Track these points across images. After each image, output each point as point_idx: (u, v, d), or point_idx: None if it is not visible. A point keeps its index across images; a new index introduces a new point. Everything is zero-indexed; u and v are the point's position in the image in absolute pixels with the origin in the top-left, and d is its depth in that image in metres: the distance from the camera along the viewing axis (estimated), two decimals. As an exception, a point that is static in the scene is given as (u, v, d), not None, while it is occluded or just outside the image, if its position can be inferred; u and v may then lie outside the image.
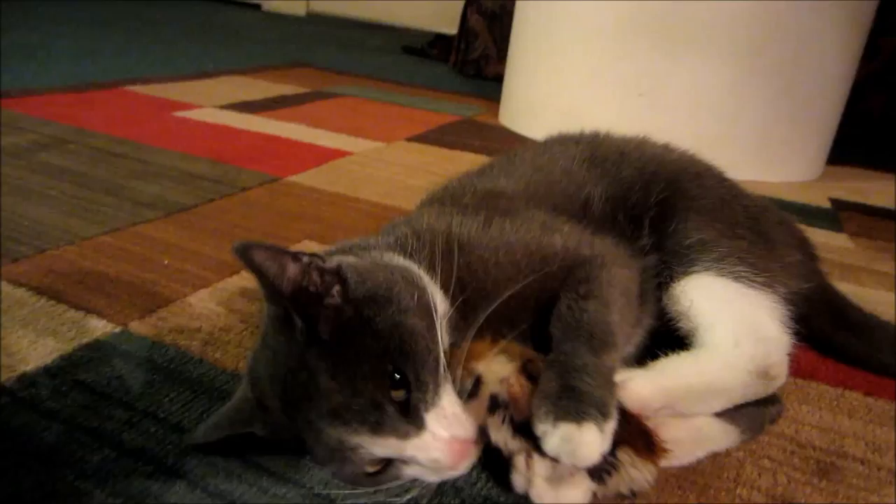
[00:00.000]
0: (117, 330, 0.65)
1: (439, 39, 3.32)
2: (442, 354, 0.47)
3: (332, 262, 0.48)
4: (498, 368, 0.48)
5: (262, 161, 1.25)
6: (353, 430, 0.44)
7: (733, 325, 0.58)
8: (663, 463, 0.50)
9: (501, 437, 0.47)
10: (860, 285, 0.96)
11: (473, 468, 0.50)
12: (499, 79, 2.08)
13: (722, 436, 0.56)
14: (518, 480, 0.47)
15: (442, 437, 0.45)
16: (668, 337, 0.62)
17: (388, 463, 0.46)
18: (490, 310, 0.51)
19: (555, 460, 0.45)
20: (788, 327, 0.61)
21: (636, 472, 0.47)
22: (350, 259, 0.51)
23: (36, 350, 0.60)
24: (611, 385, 0.48)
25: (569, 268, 0.56)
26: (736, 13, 1.39)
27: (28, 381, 0.56)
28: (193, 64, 2.24)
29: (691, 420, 0.55)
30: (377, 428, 0.44)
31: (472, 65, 2.74)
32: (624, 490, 0.47)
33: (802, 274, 0.68)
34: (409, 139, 1.57)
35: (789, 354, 0.60)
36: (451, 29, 3.25)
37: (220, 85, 1.95)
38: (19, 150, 1.16)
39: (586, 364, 0.48)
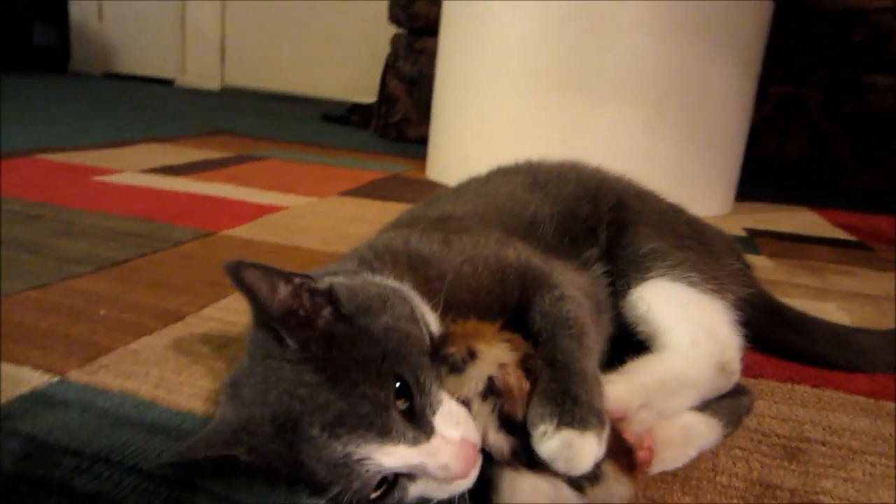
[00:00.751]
0: (55, 380, 0.61)
1: (358, 107, 3.38)
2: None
3: (324, 283, 0.47)
4: (499, 353, 0.48)
5: (193, 218, 1.22)
6: (359, 437, 0.42)
7: (690, 327, 0.62)
8: (658, 468, 0.53)
9: (486, 426, 0.46)
10: (786, 296, 1.01)
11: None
12: (421, 140, 2.14)
13: (708, 430, 0.58)
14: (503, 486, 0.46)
15: (453, 440, 0.44)
16: (627, 344, 0.64)
17: (391, 485, 0.44)
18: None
19: (535, 464, 0.45)
20: (738, 329, 0.65)
21: (617, 486, 0.47)
22: (340, 278, 0.50)
23: (-34, 405, 0.55)
24: (603, 393, 0.49)
25: (524, 279, 0.58)
26: (645, 64, 1.50)
27: (-41, 436, 0.51)
28: (108, 135, 2.18)
29: (678, 420, 0.56)
30: (385, 434, 0.42)
31: (394, 128, 2.80)
32: (601, 502, 0.46)
33: (743, 281, 0.73)
34: (342, 194, 1.57)
35: (741, 353, 0.64)
36: (369, 98, 3.33)
37: (140, 152, 1.91)
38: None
39: (584, 370, 0.49)
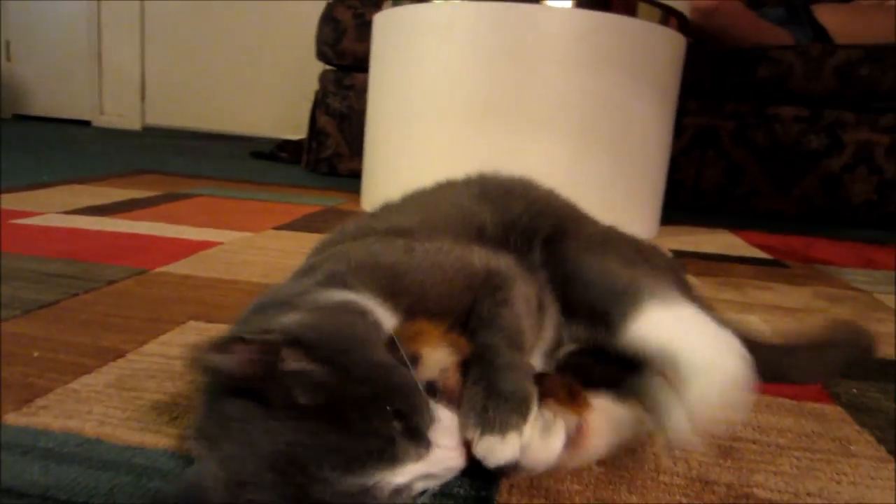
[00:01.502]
0: (-9, 424, 0.58)
1: (287, 144, 3.38)
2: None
3: (284, 332, 0.46)
4: (441, 357, 0.50)
5: (124, 257, 1.19)
6: (373, 470, 0.44)
7: (706, 340, 0.61)
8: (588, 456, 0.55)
9: None
10: (713, 310, 1.08)
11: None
12: (354, 175, 2.16)
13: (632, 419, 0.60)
14: None
15: (451, 446, 0.47)
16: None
17: (399, 490, 0.46)
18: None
19: None
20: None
21: (565, 423, 0.52)
22: (296, 317, 0.50)
23: None
24: (529, 378, 0.53)
25: (483, 279, 0.60)
26: (571, 97, 1.58)
27: None
28: (23, 179, 2.09)
29: (612, 409, 0.58)
30: (395, 460, 0.44)
31: (326, 163, 2.81)
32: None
33: (688, 296, 0.76)
34: (277, 228, 1.56)
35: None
36: (297, 134, 3.33)
37: (61, 193, 1.84)
38: None
39: (509, 363, 0.52)
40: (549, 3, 1.55)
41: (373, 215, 0.80)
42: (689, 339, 0.61)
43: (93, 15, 4.67)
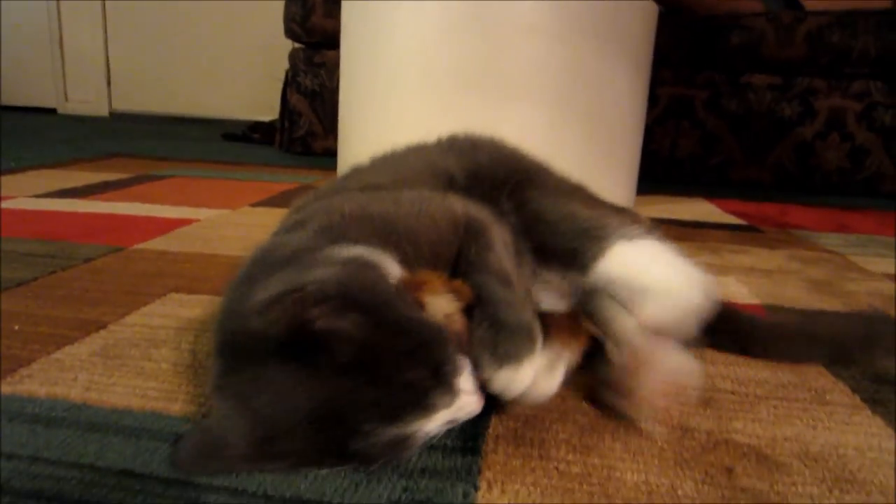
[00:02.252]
0: (-25, 393, 0.57)
1: (259, 125, 3.34)
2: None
3: (315, 289, 0.45)
4: (444, 304, 0.51)
5: (100, 235, 1.17)
6: (409, 421, 0.45)
7: (664, 269, 0.66)
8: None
9: None
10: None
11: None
12: (328, 153, 2.14)
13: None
14: None
15: (472, 391, 0.49)
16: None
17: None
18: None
19: None
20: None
21: (567, 355, 0.55)
22: (319, 273, 0.49)
23: None
24: (529, 310, 0.55)
25: (465, 226, 0.61)
26: (545, 66, 1.57)
27: None
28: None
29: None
30: (429, 410, 0.46)
31: (299, 142, 2.78)
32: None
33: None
34: (254, 205, 1.55)
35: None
36: (268, 116, 3.29)
37: (31, 179, 1.80)
38: None
39: (507, 298, 0.54)
40: (520, -28, 1.54)
41: (345, 177, 0.80)
42: (651, 269, 0.65)
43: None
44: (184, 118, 4.41)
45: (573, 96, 1.63)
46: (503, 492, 0.48)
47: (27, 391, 0.58)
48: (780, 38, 2.30)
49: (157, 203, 1.51)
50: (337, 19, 1.88)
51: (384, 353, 0.45)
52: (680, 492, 0.49)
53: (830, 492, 0.50)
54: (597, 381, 0.61)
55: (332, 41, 2.13)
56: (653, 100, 2.01)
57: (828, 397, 0.66)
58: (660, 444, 0.56)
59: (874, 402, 0.65)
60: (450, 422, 0.49)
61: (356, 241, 0.54)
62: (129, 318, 0.77)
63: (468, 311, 0.53)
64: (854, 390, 0.68)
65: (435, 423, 0.47)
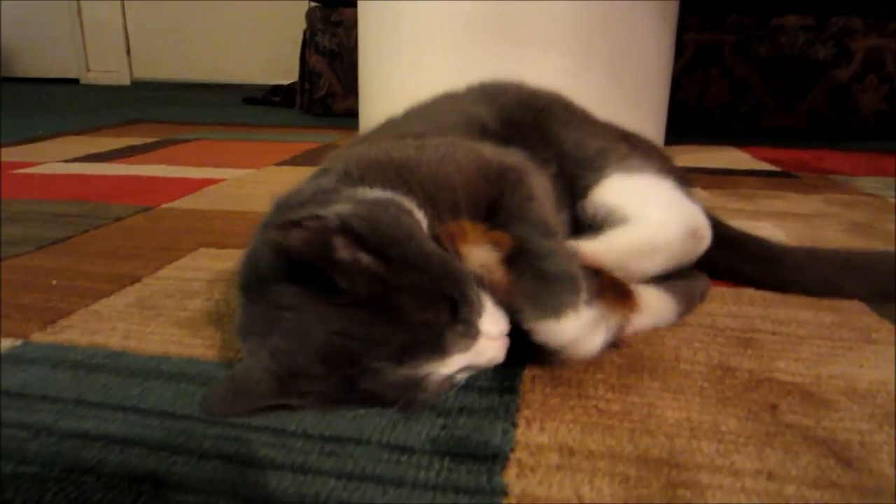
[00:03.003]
0: (18, 343, 0.59)
1: (279, 88, 3.32)
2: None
3: (337, 219, 0.45)
4: (482, 255, 0.50)
5: (129, 196, 1.18)
6: (423, 361, 0.44)
7: (658, 202, 0.65)
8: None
9: None
10: (725, 219, 1.08)
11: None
12: (349, 113, 2.12)
13: (663, 305, 0.61)
14: None
15: (494, 336, 0.48)
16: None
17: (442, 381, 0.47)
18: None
19: None
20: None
21: (614, 317, 0.50)
22: (343, 208, 0.48)
23: (-76, 373, 0.53)
24: (573, 257, 0.53)
25: (501, 176, 0.59)
26: (569, 12, 1.53)
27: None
28: (19, 136, 2.06)
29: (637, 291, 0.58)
30: (445, 351, 0.45)
31: (320, 104, 2.76)
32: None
33: (686, 187, 0.76)
34: (278, 164, 1.55)
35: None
36: (287, 79, 3.26)
37: (58, 145, 1.82)
38: None
39: (550, 248, 0.52)
40: (544, -86, 1.49)
41: (378, 128, 0.79)
42: (644, 202, 0.64)
43: (69, -31, 4.54)
44: (204, 84, 4.41)
45: (597, 44, 1.58)
46: (542, 429, 0.47)
47: (68, 340, 0.59)
48: (814, -26, 2.20)
49: (183, 165, 1.51)
50: (355, -27, 1.84)
51: (400, 291, 0.44)
52: (724, 428, 0.48)
53: (881, 427, 0.48)
54: None
55: (349, -2, 2.09)
56: (679, 48, 1.95)
57: (873, 336, 0.64)
58: (700, 383, 0.55)
59: (922, 340, 0.63)
60: (469, 367, 0.48)
61: (378, 186, 0.54)
62: (162, 272, 0.77)
63: (509, 262, 0.52)
64: (901, 330, 0.66)
65: (450, 367, 0.46)
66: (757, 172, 1.57)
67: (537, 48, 1.55)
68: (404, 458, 0.43)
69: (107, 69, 4.76)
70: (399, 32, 1.69)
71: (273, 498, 0.39)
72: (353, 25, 2.47)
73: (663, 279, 0.64)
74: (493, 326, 0.49)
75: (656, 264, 0.61)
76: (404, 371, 0.44)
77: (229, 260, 0.82)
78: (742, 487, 0.41)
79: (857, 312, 0.69)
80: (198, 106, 3.20)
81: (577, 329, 0.49)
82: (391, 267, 0.45)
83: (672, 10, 1.73)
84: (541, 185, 0.61)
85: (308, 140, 1.96)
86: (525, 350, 0.52)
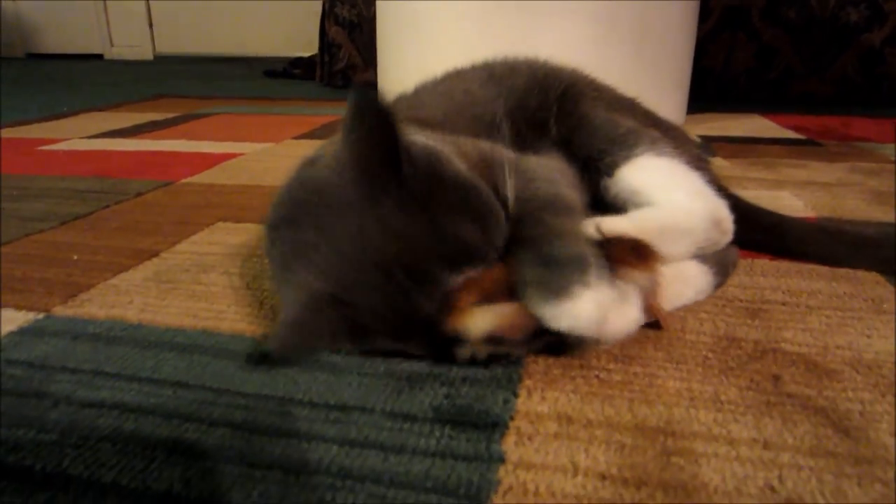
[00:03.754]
0: (41, 316, 0.61)
1: (300, 60, 3.32)
2: None
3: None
4: (480, 324, 0.47)
5: (150, 171, 1.20)
6: (472, 270, 0.46)
7: (685, 190, 0.64)
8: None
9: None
10: (744, 189, 1.06)
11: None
12: (370, 86, 2.11)
13: (701, 276, 0.61)
14: None
15: None
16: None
17: None
18: None
19: None
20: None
21: (639, 282, 0.51)
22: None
23: (-47, 345, 0.55)
24: (578, 238, 0.51)
25: (499, 170, 0.58)
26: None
27: (-47, 370, 0.51)
28: (43, 112, 2.09)
29: (674, 264, 0.59)
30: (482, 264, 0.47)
31: (340, 76, 2.76)
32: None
33: (706, 169, 0.75)
34: (297, 138, 1.56)
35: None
36: (308, 51, 3.26)
37: (82, 121, 1.85)
38: None
39: (552, 227, 0.50)
40: None
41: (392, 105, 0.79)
42: (672, 186, 0.63)
43: (91, -56, 4.56)
44: (226, 58, 4.42)
45: (621, 9, 1.55)
46: (543, 398, 0.48)
47: (87, 313, 0.61)
48: (846, -68, 2.12)
49: (203, 140, 1.53)
50: (372, -58, 1.82)
51: (451, 197, 0.45)
52: (723, 398, 0.48)
53: (884, 397, 0.48)
54: None
55: (368, -33, 2.07)
56: (705, 11, 1.90)
57: (885, 306, 0.63)
58: (704, 353, 0.55)
59: (935, 310, 0.63)
60: None
61: None
62: (180, 247, 0.79)
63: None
64: (915, 299, 0.65)
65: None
66: (780, 140, 1.54)
67: (555, 15, 1.52)
68: (406, 425, 0.44)
69: (130, 44, 4.80)
70: (416, 2, 1.67)
71: (277, 464, 0.40)
72: (371, -5, 2.46)
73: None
74: None
75: (678, 249, 0.60)
76: (451, 278, 0.44)
77: (244, 234, 0.83)
78: (736, 456, 0.42)
79: (871, 283, 0.69)
80: (219, 80, 3.22)
81: (593, 308, 0.45)
82: (444, 173, 0.46)
83: (697, -27, 1.68)
84: (554, 166, 0.61)
85: (326, 113, 1.97)
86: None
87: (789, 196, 1.03)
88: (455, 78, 0.82)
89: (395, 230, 0.44)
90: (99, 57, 4.74)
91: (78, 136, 1.59)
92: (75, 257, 0.76)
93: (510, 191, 0.53)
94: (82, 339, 0.56)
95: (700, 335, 0.58)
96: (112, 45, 4.80)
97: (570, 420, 0.45)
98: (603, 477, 0.40)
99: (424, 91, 0.81)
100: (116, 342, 0.56)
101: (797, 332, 0.58)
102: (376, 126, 0.43)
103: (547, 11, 1.52)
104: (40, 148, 1.45)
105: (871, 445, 0.43)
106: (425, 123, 0.67)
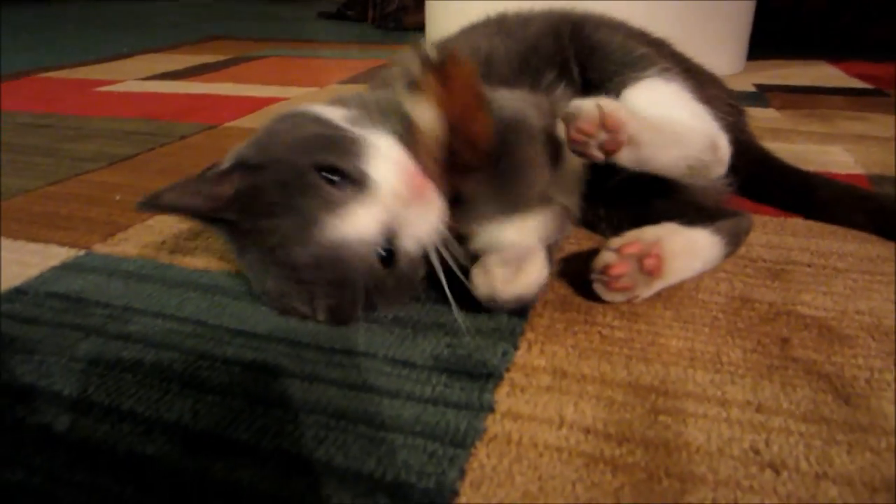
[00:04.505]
0: (81, 253, 0.65)
1: (353, 2, 3.28)
2: None
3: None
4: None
5: (195, 115, 1.24)
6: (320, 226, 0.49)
7: (688, 113, 0.61)
8: (669, 279, 0.56)
9: None
10: (790, 143, 1.03)
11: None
12: (420, 28, 2.08)
13: (711, 245, 0.59)
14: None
15: (389, 176, 0.49)
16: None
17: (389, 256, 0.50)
18: None
19: None
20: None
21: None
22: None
23: (3, 277, 0.60)
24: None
25: None
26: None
27: (1, 299, 0.56)
28: (104, 52, 2.16)
29: (683, 233, 0.57)
30: (335, 208, 0.49)
31: (391, 18, 2.73)
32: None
33: (733, 119, 0.72)
34: (342, 82, 1.56)
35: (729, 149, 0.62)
36: (364, -9, 3.21)
37: (138, 63, 1.90)
38: (-61, 132, 1.12)
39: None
40: None
41: None
42: (674, 108, 0.60)
43: None
44: (282, -2, 4.41)
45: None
46: (542, 352, 0.49)
47: (123, 252, 0.65)
48: None
49: (250, 83, 1.55)
50: None
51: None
52: (725, 359, 0.48)
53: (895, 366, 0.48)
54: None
55: None
56: (774, -51, 1.78)
57: (916, 272, 0.61)
58: (714, 313, 0.55)
59: (968, 278, 0.60)
60: (404, 224, 0.48)
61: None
62: (215, 190, 0.82)
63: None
64: (952, 265, 0.62)
65: (359, 226, 0.47)
66: (843, 90, 1.46)
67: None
68: (405, 371, 0.46)
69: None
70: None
71: (279, 402, 0.43)
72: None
73: (710, 220, 0.60)
74: (385, 168, 0.48)
75: (668, 158, 0.56)
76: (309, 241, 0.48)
77: (277, 179, 0.86)
78: (726, 417, 0.42)
79: (908, 246, 0.66)
80: (274, 21, 3.23)
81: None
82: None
83: None
84: (514, 96, 0.60)
85: (373, 57, 1.96)
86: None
87: (840, 151, 0.98)
88: (465, 32, 0.80)
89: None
90: (160, -4, 4.80)
91: (133, 77, 1.64)
92: (118, 197, 0.80)
93: None
94: (116, 276, 0.60)
95: (714, 295, 0.57)
96: (173, -16, 4.84)
97: (564, 374, 0.47)
98: (587, 431, 0.41)
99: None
100: (147, 280, 0.59)
101: (817, 296, 0.57)
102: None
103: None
104: (98, 89, 1.50)
105: (870, 413, 0.43)
106: None
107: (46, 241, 0.68)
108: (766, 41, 1.81)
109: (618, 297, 0.54)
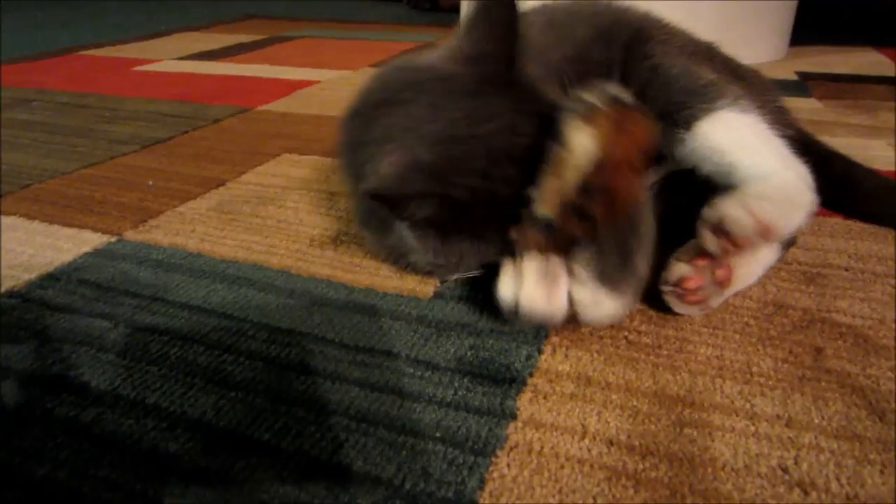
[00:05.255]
0: (113, 239, 0.66)
1: (391, -21, 3.25)
2: None
3: None
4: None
5: (229, 97, 1.24)
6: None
7: (774, 153, 0.58)
8: (736, 287, 0.55)
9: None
10: (832, 136, 0.99)
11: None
12: (455, 9, 2.07)
13: (770, 250, 0.57)
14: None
15: None
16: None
17: None
18: None
19: None
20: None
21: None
22: None
23: (36, 262, 0.61)
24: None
25: None
26: None
27: (35, 285, 0.57)
28: (143, 30, 2.18)
29: None
30: None
31: (428, -2, 2.70)
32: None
33: (785, 120, 0.69)
34: (374, 65, 1.56)
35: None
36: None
37: (175, 41, 1.92)
38: (-20, 112, 1.14)
39: None
40: None
41: None
42: (754, 147, 0.57)
43: None
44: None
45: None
46: (566, 357, 0.48)
47: (153, 240, 0.66)
48: None
49: (284, 65, 1.56)
50: None
51: None
52: (755, 369, 0.47)
53: (936, 380, 0.46)
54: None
55: None
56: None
57: (962, 280, 0.59)
58: (746, 319, 0.53)
59: None
60: None
61: None
62: (245, 177, 0.83)
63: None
64: None
65: None
66: (890, 80, 1.40)
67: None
68: (428, 373, 0.46)
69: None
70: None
71: (300, 400, 0.43)
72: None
73: None
74: None
75: (795, 222, 0.54)
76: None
77: (307, 167, 0.86)
78: (754, 432, 0.41)
79: (952, 251, 0.64)
80: (309, 0, 3.22)
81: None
82: None
83: None
84: None
85: (407, 39, 1.95)
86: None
87: (882, 145, 0.95)
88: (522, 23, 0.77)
89: (507, 122, 0.48)
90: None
91: (169, 56, 1.65)
92: (150, 183, 0.81)
93: None
94: (146, 265, 0.61)
95: (746, 300, 0.56)
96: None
97: (588, 381, 0.46)
98: (610, 443, 0.40)
99: None
100: (175, 269, 0.60)
101: (854, 302, 0.55)
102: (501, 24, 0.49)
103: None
104: (134, 69, 1.52)
105: (906, 432, 0.41)
106: None
107: (80, 226, 0.69)
108: (810, 26, 1.75)
109: (693, 311, 0.53)
